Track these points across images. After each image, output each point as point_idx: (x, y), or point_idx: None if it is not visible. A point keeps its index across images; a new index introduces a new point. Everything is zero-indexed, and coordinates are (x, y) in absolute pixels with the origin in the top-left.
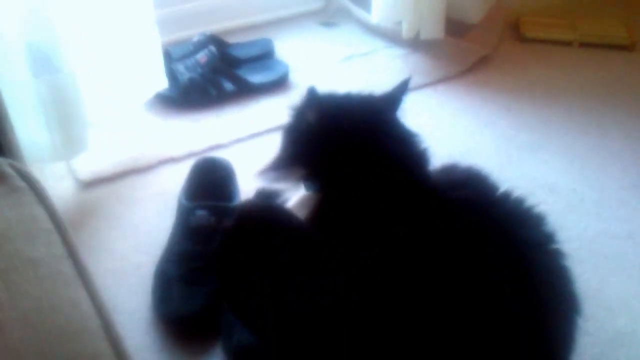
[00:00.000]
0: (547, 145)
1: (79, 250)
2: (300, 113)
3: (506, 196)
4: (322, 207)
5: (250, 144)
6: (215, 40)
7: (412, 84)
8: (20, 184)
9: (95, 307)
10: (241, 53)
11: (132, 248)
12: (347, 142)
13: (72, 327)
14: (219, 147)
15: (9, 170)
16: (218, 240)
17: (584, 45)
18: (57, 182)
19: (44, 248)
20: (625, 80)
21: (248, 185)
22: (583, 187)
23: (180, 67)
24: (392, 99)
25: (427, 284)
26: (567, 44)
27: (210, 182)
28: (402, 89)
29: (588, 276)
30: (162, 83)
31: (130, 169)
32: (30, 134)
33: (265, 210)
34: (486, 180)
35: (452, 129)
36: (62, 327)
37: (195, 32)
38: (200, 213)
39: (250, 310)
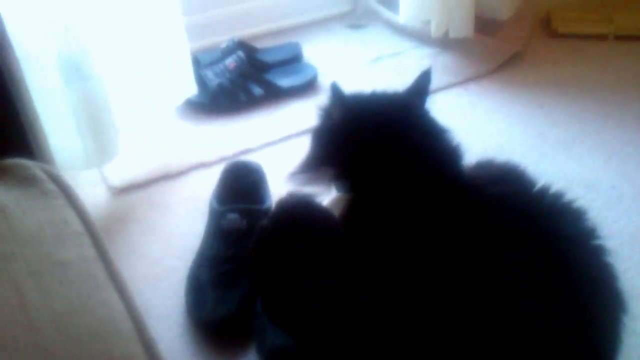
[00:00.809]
0: (582, 142)
1: (110, 253)
2: (326, 111)
3: (544, 191)
4: (353, 208)
5: (280, 147)
6: (243, 45)
7: (442, 83)
8: (51, 187)
9: (127, 310)
10: (269, 58)
11: (164, 253)
12: (374, 138)
13: (104, 329)
14: (249, 151)
15: (39, 174)
16: (254, 237)
17: (620, 38)
18: (90, 189)
19: (75, 250)
20: None
21: (279, 188)
22: (622, 183)
23: (209, 73)
24: (418, 92)
25: (456, 283)
26: (602, 37)
27: (241, 185)
28: (425, 81)
29: (632, 273)
30: (191, 89)
31: (162, 174)
32: (62, 141)
33: (303, 205)
34: (523, 176)
35: (485, 128)
36: (94, 329)
37: (223, 39)
38: (232, 216)
39: (284, 310)
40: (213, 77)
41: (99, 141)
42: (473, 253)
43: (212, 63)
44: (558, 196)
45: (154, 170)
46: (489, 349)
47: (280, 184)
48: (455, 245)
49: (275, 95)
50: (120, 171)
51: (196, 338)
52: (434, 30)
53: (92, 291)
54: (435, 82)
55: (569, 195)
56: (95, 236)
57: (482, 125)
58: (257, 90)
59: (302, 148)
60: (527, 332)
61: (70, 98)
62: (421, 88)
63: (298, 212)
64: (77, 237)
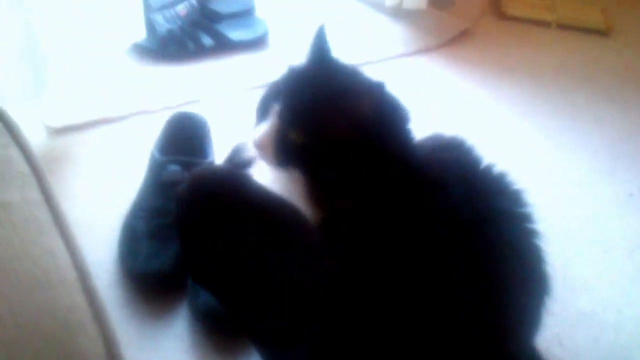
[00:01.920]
0: (519, 125)
1: (56, 196)
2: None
3: (489, 169)
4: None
5: (226, 100)
6: None
7: (392, 52)
8: None
9: (72, 258)
10: (222, 8)
11: (99, 198)
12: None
13: (47, 278)
14: (194, 102)
15: None
16: (175, 206)
17: (562, 27)
18: (25, 127)
19: (19, 192)
20: (599, 64)
21: (222, 141)
22: (553, 169)
23: (159, 18)
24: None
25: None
26: (546, 24)
27: (184, 137)
28: (322, 41)
29: (555, 257)
30: (139, 33)
31: (102, 118)
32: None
33: (221, 178)
34: (470, 151)
35: (429, 100)
36: (37, 277)
37: None
38: (173, 168)
39: (211, 278)
40: (163, 22)
41: (36, 74)
42: (412, 228)
43: (163, 7)
44: (502, 175)
45: (93, 113)
46: (422, 323)
47: (224, 138)
48: (396, 216)
49: (224, 47)
50: (58, 112)
51: (128, 289)
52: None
53: (36, 237)
54: (386, 50)
55: (511, 176)
56: (41, 178)
57: (426, 97)
58: (207, 41)
59: (248, 103)
60: (454, 305)
61: (5, 29)
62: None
63: (216, 181)
64: (22, 178)
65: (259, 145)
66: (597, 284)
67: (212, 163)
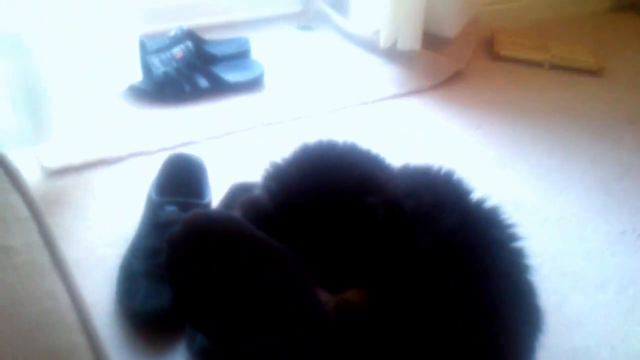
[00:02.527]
0: (514, 164)
1: (56, 240)
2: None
3: (481, 200)
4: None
5: (222, 141)
6: (192, 35)
7: (386, 93)
8: None
9: (72, 300)
10: (217, 50)
11: (97, 240)
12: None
13: (48, 319)
14: (190, 143)
15: None
16: (165, 251)
17: (554, 67)
18: (23, 169)
19: (20, 236)
20: (591, 104)
21: (219, 183)
22: (547, 207)
23: (155, 61)
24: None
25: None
26: (538, 64)
27: (181, 178)
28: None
29: (549, 293)
30: (136, 75)
31: (99, 159)
32: None
33: (214, 221)
34: (461, 182)
35: (421, 142)
36: (38, 319)
37: (172, 26)
38: (170, 209)
39: (204, 322)
40: (159, 65)
41: (34, 119)
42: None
43: (159, 50)
44: (494, 208)
45: (91, 155)
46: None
47: (221, 179)
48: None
49: (220, 89)
50: (56, 153)
51: (125, 329)
52: (383, 41)
53: (37, 280)
54: (379, 92)
55: (503, 209)
56: (41, 222)
57: (419, 138)
58: (203, 82)
59: (244, 144)
60: (451, 334)
61: (5, 72)
62: None
63: (208, 224)
64: (23, 223)
65: None
66: (591, 320)
67: (208, 205)
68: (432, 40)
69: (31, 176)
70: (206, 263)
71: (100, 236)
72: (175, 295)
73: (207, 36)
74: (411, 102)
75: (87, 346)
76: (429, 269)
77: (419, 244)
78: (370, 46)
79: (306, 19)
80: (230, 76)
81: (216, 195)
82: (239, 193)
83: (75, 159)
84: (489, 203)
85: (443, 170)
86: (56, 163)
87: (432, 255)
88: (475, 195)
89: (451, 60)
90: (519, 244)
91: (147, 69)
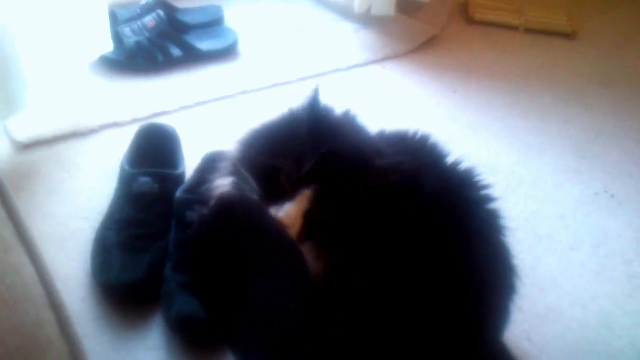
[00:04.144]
0: (489, 127)
1: (21, 213)
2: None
3: (457, 163)
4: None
5: (196, 111)
6: (163, 4)
7: (361, 60)
8: None
9: (38, 274)
10: (190, 19)
11: (71, 213)
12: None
13: (14, 295)
14: (164, 113)
15: None
16: (196, 225)
17: (529, 31)
18: None
19: None
20: (565, 68)
21: (194, 153)
22: (522, 170)
23: (126, 30)
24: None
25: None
26: (513, 28)
27: (154, 149)
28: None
29: (524, 255)
30: (107, 45)
31: (71, 132)
32: None
33: (247, 205)
34: (436, 146)
35: (398, 107)
36: (3, 294)
37: None
38: (144, 180)
39: (220, 306)
40: (130, 35)
41: (5, 92)
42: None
43: (130, 20)
44: (469, 170)
45: (63, 127)
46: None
47: (195, 149)
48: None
49: (194, 57)
50: (27, 126)
51: (100, 302)
52: (358, 6)
53: (1, 255)
54: (354, 58)
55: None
56: (5, 195)
57: (395, 104)
58: (176, 52)
59: (218, 113)
60: (427, 294)
61: None
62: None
63: (243, 208)
64: None
65: (288, 225)
66: (564, 280)
67: (182, 175)
68: (407, 6)
69: (1, 150)
70: (231, 246)
71: (74, 210)
72: (195, 272)
73: (179, 4)
74: (387, 68)
75: (54, 321)
76: (412, 232)
77: (407, 209)
78: (344, 12)
79: None
80: (204, 45)
81: (190, 165)
82: (212, 162)
83: (47, 132)
84: (464, 165)
85: (419, 135)
86: (27, 136)
87: (418, 220)
88: (451, 158)
89: (426, 25)
90: (494, 205)
91: (118, 39)
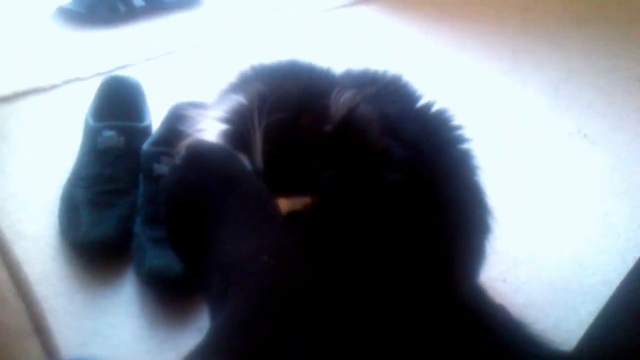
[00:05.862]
0: (462, 69)
1: None
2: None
3: (429, 104)
4: None
5: (160, 62)
6: None
7: (334, 3)
8: None
9: None
10: None
11: (35, 171)
12: None
13: None
14: (128, 65)
15: None
16: (166, 176)
17: None
18: None
19: None
20: (538, 7)
21: (160, 105)
22: (494, 110)
23: None
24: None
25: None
26: None
27: (118, 101)
28: None
29: (496, 195)
30: None
31: (32, 88)
32: None
33: (218, 153)
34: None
35: (370, 50)
36: None
37: None
38: (109, 134)
39: (194, 257)
40: None
41: None
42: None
43: None
44: (442, 110)
45: (22, 83)
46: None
47: (160, 100)
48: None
49: (157, 7)
50: None
51: (70, 260)
52: None
53: None
54: (326, 0)
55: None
56: None
57: (368, 47)
58: (138, 1)
59: (183, 64)
60: (404, 235)
61: None
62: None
63: (214, 156)
64: None
65: None
66: (538, 220)
67: (148, 127)
68: None
69: None
70: (203, 196)
71: (37, 168)
72: (168, 223)
73: None
74: (359, 10)
75: (8, 280)
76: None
77: (395, 157)
78: None
79: None
80: None
81: (157, 118)
82: (179, 113)
83: (5, 89)
84: (437, 106)
85: (389, 75)
86: None
87: (404, 166)
88: (423, 98)
89: None
90: (467, 145)
91: None
